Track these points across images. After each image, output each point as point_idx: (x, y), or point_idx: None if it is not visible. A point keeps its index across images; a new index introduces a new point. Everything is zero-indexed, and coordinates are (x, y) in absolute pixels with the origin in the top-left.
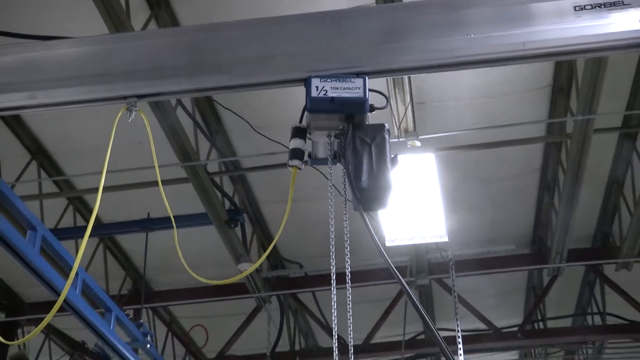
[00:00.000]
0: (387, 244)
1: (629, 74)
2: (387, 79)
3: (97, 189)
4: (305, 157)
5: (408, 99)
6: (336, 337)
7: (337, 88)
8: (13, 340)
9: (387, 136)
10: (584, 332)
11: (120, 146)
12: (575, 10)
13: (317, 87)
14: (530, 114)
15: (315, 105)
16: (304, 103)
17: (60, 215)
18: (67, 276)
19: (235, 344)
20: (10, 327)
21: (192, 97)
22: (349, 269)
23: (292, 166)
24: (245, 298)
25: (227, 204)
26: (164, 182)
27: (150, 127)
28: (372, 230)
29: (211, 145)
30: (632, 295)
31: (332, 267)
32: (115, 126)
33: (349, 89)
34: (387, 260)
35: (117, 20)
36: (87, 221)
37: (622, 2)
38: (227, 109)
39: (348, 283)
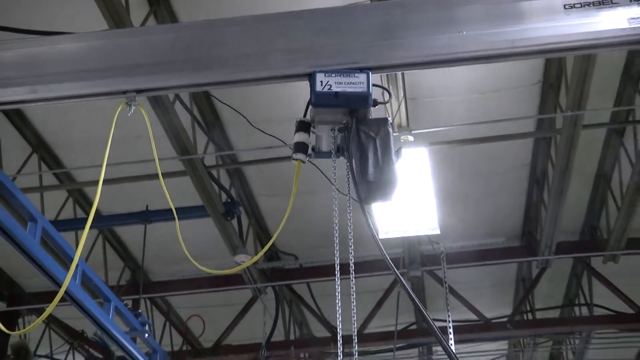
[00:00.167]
0: (381, 236)
1: (617, 71)
2: (380, 75)
3: (96, 182)
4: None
5: (401, 94)
6: (340, 327)
7: (341, 83)
8: (14, 329)
9: (390, 130)
10: (572, 322)
11: (119, 140)
12: (565, 8)
13: (321, 81)
14: (520, 109)
15: (319, 100)
16: (300, 98)
17: (61, 207)
18: (66, 266)
19: (232, 333)
20: (11, 317)
21: (191, 92)
22: (352, 260)
23: (297, 159)
24: (241, 289)
25: (224, 197)
26: (163, 175)
27: (149, 122)
28: (371, 223)
29: (208, 139)
30: (618, 287)
31: (336, 258)
32: (115, 120)
33: (353, 83)
34: (383, 252)
35: (116, 16)
36: (87, 213)
37: (611, 1)
38: (224, 103)
39: (352, 274)
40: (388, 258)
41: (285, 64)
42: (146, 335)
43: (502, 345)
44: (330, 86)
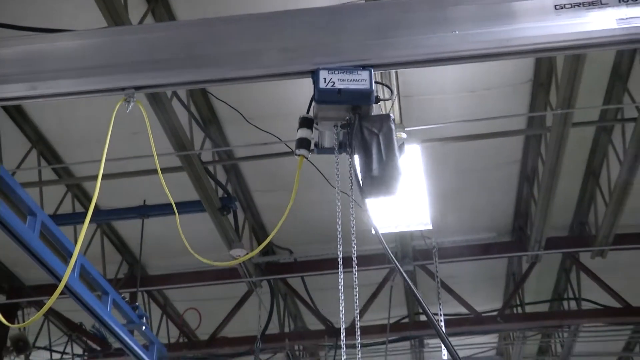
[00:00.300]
0: (374, 231)
1: (606, 71)
2: (374, 73)
3: (95, 177)
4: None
5: (395, 92)
6: (343, 319)
7: (344, 80)
8: (14, 321)
9: (393, 126)
10: (561, 316)
11: (116, 136)
12: (555, 9)
13: (325, 78)
14: (511, 107)
15: (323, 97)
16: (294, 96)
17: (59, 202)
18: (65, 260)
19: (227, 326)
20: (10, 309)
21: (188, 90)
22: (355, 254)
23: (299, 155)
24: (237, 282)
25: (220, 192)
26: (160, 171)
27: (148, 118)
28: (372, 219)
29: (205, 136)
30: (606, 282)
31: (339, 252)
32: (114, 117)
33: (356, 80)
34: (385, 246)
35: (115, 14)
36: (85, 208)
37: (600, 1)
38: (221, 100)
39: (354, 267)
40: (390, 252)
41: (288, 62)
42: (143, 327)
43: (493, 338)
44: (334, 83)
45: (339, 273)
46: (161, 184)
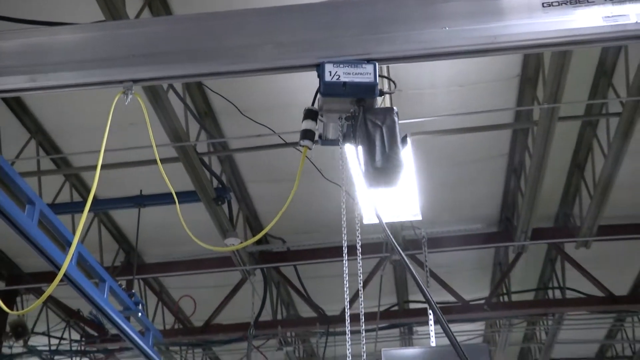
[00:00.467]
0: (365, 221)
1: (592, 67)
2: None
3: (93, 167)
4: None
5: (386, 86)
6: (349, 307)
7: (349, 73)
8: (13, 307)
9: (396, 118)
10: (546, 305)
11: (113, 127)
12: (543, 6)
13: (330, 72)
14: (499, 102)
15: (328, 89)
16: (288, 89)
17: (58, 191)
18: (63, 248)
19: (221, 313)
20: (9, 295)
21: (184, 82)
22: (360, 243)
23: (304, 146)
24: (231, 271)
25: (215, 183)
26: (156, 161)
27: (146, 110)
28: (378, 210)
29: (200, 127)
30: (590, 272)
31: (344, 241)
32: (112, 108)
33: (361, 74)
34: (388, 234)
35: (112, 8)
36: (83, 197)
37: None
38: (216, 93)
39: (359, 256)
40: (394, 240)
41: (290, 55)
42: (139, 314)
43: (480, 326)
44: (339, 76)
45: (344, 262)
46: (158, 173)
